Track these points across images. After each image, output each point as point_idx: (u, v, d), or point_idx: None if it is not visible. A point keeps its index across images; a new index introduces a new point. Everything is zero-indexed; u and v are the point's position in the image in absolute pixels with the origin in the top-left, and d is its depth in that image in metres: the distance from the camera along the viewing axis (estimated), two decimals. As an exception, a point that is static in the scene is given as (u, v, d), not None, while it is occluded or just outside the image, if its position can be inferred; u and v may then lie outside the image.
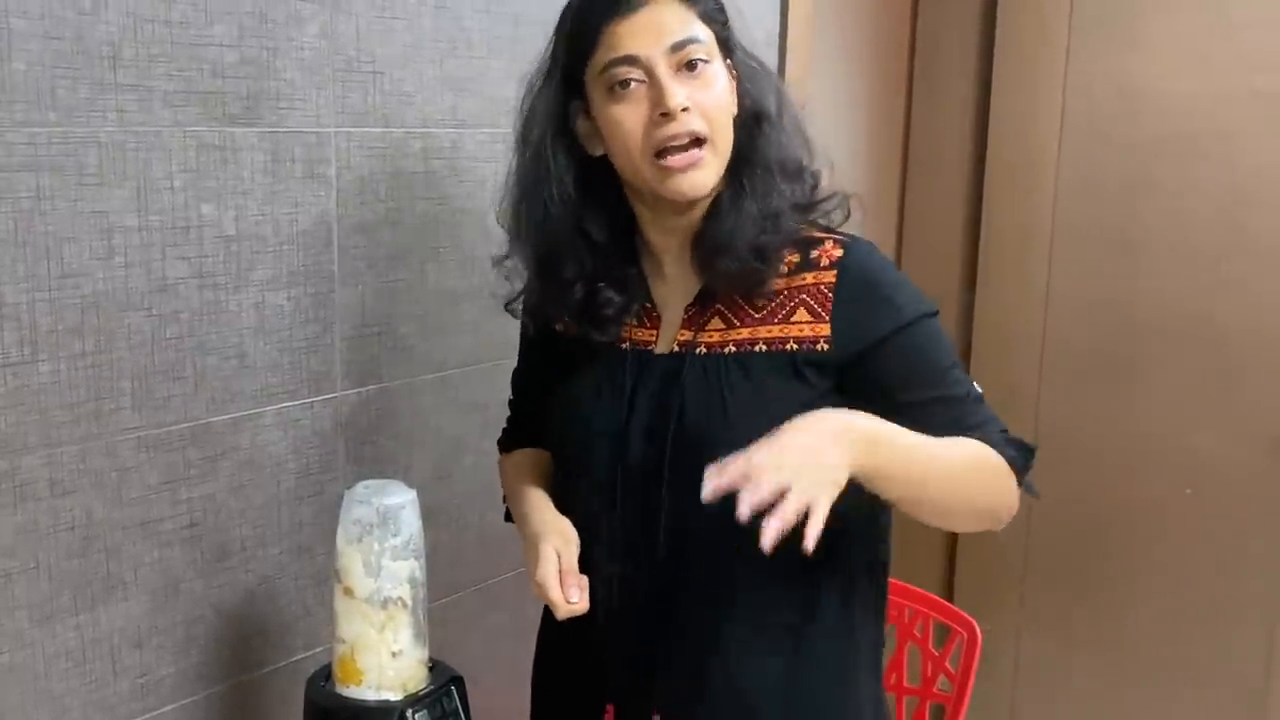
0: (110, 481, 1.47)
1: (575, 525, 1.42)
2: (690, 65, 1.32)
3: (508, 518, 1.63)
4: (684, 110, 1.30)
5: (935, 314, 1.40)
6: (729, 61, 1.39)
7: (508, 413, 1.68)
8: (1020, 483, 1.40)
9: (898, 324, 1.35)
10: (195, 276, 1.52)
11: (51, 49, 1.35)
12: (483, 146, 1.86)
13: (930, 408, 1.36)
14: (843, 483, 1.19)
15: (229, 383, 1.58)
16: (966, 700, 1.95)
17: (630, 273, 1.45)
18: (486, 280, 1.89)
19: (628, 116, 1.32)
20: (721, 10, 1.39)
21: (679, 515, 1.37)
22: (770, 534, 1.12)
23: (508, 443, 1.67)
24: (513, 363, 1.66)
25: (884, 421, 1.26)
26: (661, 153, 1.32)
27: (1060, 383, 2.84)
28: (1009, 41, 2.81)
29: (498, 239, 1.90)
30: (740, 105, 1.39)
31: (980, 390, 1.41)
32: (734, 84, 1.39)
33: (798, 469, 1.16)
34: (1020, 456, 1.38)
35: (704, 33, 1.34)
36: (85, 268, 1.41)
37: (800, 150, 1.42)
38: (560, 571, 1.35)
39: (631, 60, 1.31)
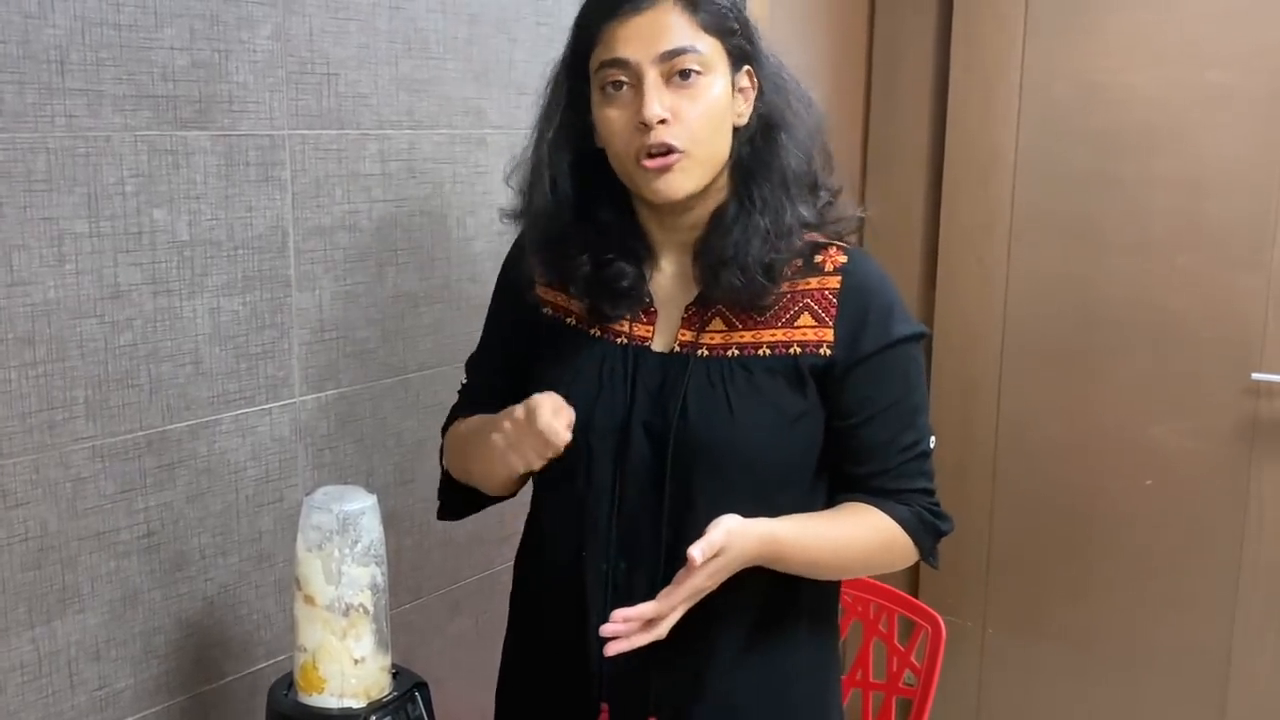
0: (65, 492, 1.45)
1: (572, 524, 1.42)
2: (683, 74, 1.31)
3: (443, 512, 1.60)
4: (661, 122, 1.30)
5: (923, 336, 1.44)
6: (748, 69, 1.38)
7: (456, 400, 1.62)
8: (924, 557, 1.45)
9: (887, 340, 1.38)
10: (148, 283, 1.50)
11: (-3, 53, 1.33)
12: (440, 148, 1.85)
13: (873, 449, 1.41)
14: None
15: (184, 390, 1.56)
16: (932, 694, 1.96)
17: (641, 246, 1.44)
18: (446, 281, 1.89)
19: (616, 119, 1.34)
20: (733, 20, 1.36)
21: (678, 516, 1.38)
22: (615, 648, 1.26)
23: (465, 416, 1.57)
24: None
25: (791, 530, 1.33)
26: (641, 155, 1.33)
27: (1020, 375, 2.86)
28: (966, 36, 2.82)
29: (457, 240, 1.90)
30: (754, 114, 1.39)
31: (933, 445, 1.45)
32: (747, 94, 1.38)
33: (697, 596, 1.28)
34: (929, 539, 1.44)
35: (705, 43, 1.33)
36: (35, 275, 1.39)
37: (818, 165, 1.42)
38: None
39: (621, 64, 1.32)
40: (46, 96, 1.37)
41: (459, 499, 1.58)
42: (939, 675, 1.96)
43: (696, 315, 1.41)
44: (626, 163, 1.35)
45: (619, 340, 1.44)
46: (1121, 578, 2.77)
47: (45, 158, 1.38)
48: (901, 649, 2.04)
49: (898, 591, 2.08)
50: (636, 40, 1.31)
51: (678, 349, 1.41)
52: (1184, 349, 2.63)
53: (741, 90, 1.38)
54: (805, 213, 1.38)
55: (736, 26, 1.37)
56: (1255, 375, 2.55)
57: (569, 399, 1.40)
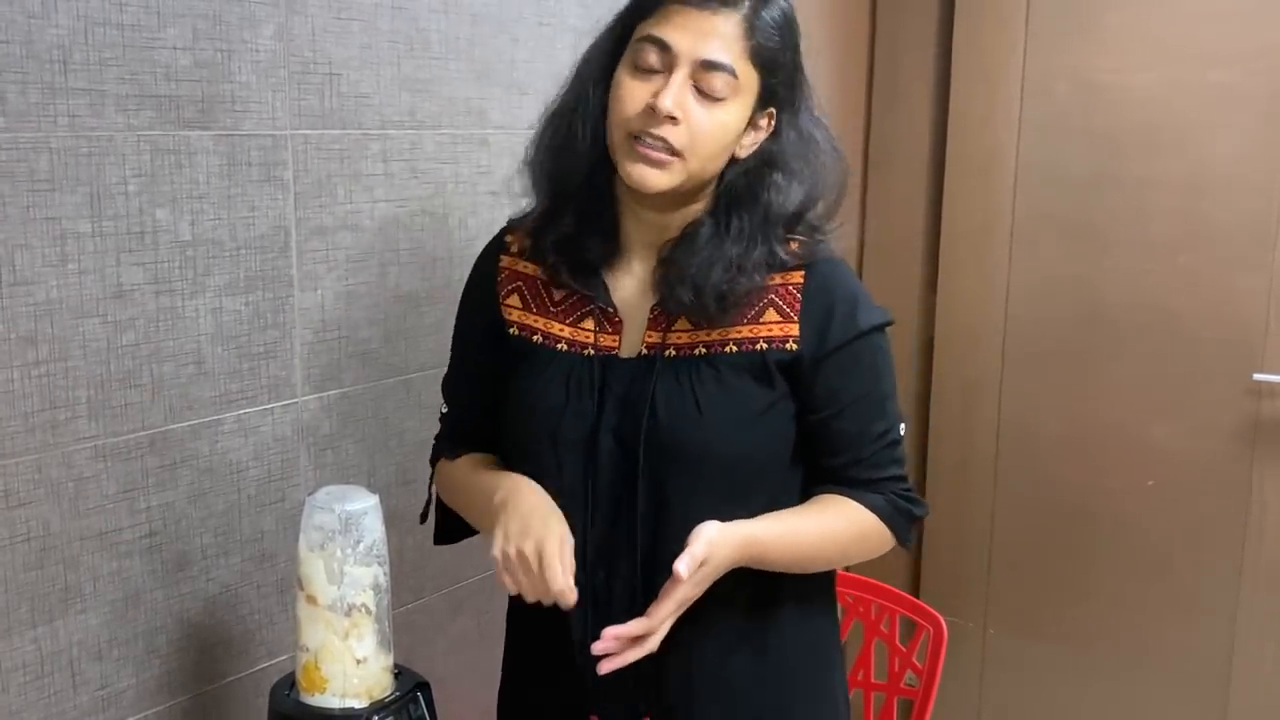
0: (67, 492, 1.45)
1: None
2: (710, 87, 1.31)
3: (440, 537, 1.62)
4: (670, 118, 1.30)
5: (888, 324, 1.44)
6: (771, 111, 1.38)
7: (439, 430, 1.63)
8: (900, 541, 1.48)
9: (853, 332, 1.39)
10: (151, 283, 1.50)
11: (0, 53, 1.33)
12: (442, 147, 1.85)
13: (846, 440, 1.42)
14: None
15: (187, 390, 1.56)
16: (934, 695, 1.96)
17: (610, 244, 1.44)
18: (448, 282, 1.89)
19: (633, 89, 1.33)
20: (783, 64, 1.37)
21: (653, 517, 1.38)
22: (608, 666, 1.30)
23: (452, 452, 1.59)
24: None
25: (769, 530, 1.36)
26: (636, 136, 1.33)
27: (1022, 376, 2.86)
28: (967, 36, 2.82)
29: (459, 241, 1.90)
30: (757, 152, 1.39)
31: (903, 430, 1.46)
32: (759, 132, 1.38)
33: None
34: (904, 524, 1.46)
35: (743, 69, 1.33)
36: (38, 275, 1.39)
37: (817, 214, 1.42)
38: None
39: (663, 47, 1.32)
40: (49, 96, 1.37)
41: (453, 526, 1.60)
42: (940, 676, 1.96)
43: (662, 316, 1.42)
44: (619, 134, 1.35)
45: (585, 352, 1.44)
46: (1123, 578, 2.77)
47: (48, 157, 1.38)
48: (903, 649, 2.04)
49: (899, 592, 2.08)
50: (688, 33, 1.31)
51: (645, 351, 1.42)
52: (1185, 349, 2.63)
53: (755, 127, 1.38)
54: (780, 253, 1.38)
55: (782, 73, 1.37)
56: (1257, 376, 2.54)
57: (536, 414, 1.42)
